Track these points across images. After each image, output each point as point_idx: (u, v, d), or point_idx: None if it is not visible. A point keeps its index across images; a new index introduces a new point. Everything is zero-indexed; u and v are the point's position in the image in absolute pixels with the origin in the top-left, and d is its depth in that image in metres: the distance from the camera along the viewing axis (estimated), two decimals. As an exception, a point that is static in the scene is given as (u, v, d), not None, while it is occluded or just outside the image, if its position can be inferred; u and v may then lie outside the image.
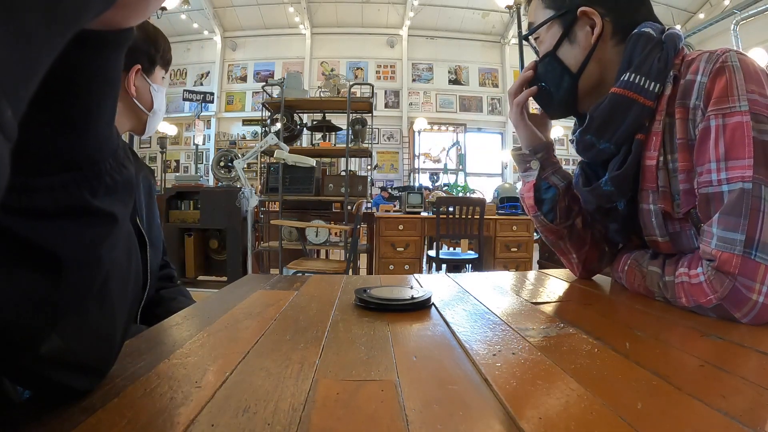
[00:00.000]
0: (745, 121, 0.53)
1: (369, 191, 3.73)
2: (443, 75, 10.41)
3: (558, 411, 0.30)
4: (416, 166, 9.62)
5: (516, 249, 3.73)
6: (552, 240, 0.81)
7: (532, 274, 0.92)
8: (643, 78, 0.62)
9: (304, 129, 4.07)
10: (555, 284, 0.79)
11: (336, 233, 3.39)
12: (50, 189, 0.24)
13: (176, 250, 3.31)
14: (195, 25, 9.72)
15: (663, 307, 0.60)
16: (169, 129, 8.76)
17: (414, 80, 10.35)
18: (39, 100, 0.19)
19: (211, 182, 5.50)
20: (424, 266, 3.83)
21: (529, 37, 0.76)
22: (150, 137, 4.95)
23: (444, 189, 5.13)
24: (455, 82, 10.44)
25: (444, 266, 3.49)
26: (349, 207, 3.29)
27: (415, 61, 10.37)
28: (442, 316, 0.56)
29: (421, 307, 0.59)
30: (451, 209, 3.26)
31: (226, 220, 3.30)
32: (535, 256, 3.97)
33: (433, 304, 0.61)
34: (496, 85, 10.44)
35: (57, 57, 0.18)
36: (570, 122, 0.77)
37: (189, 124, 9.54)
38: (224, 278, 3.42)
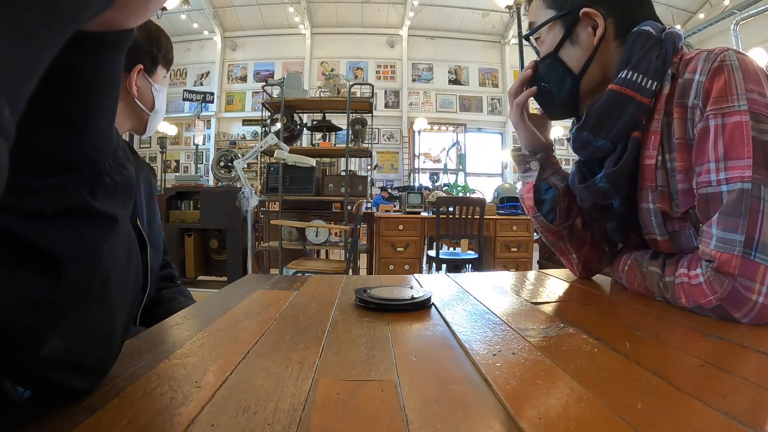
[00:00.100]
0: (744, 121, 0.53)
1: (369, 191, 3.73)
2: (443, 75, 10.41)
3: (558, 411, 0.30)
4: (416, 166, 9.62)
5: (516, 249, 3.73)
6: (552, 240, 0.81)
7: (532, 274, 0.92)
8: (641, 75, 0.62)
9: (304, 129, 4.07)
10: (555, 284, 0.79)
11: (336, 233, 3.39)
12: (50, 190, 0.24)
13: (176, 250, 3.31)
14: (195, 25, 9.72)
15: (663, 307, 0.60)
16: (169, 129, 8.76)
17: (414, 80, 10.35)
18: (39, 100, 0.19)
19: (211, 182, 5.50)
20: (424, 266, 3.84)
21: (530, 37, 0.76)
22: (150, 137, 4.95)
23: (444, 189, 5.13)
24: (455, 82, 10.44)
25: (444, 266, 3.49)
26: (349, 207, 3.29)
27: (415, 61, 10.36)
28: (442, 316, 0.56)
29: (421, 307, 0.59)
30: (451, 209, 3.26)
31: (226, 220, 3.30)
32: (535, 256, 3.97)
33: (433, 304, 0.61)
34: (496, 85, 10.44)
35: (57, 58, 0.18)
36: (569, 122, 0.77)
37: (189, 124, 9.54)
38: (224, 278, 3.42)
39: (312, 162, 2.73)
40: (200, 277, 3.49)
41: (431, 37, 10.32)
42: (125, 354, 0.39)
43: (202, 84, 10.22)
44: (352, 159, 3.97)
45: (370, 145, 3.97)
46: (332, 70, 9.79)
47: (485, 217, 3.34)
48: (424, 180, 8.71)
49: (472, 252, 3.55)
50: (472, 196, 4.04)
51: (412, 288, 0.65)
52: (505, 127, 10.15)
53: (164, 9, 6.60)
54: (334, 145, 4.30)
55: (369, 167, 4.26)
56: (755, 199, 0.51)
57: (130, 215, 0.31)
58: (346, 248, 3.02)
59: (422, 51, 10.36)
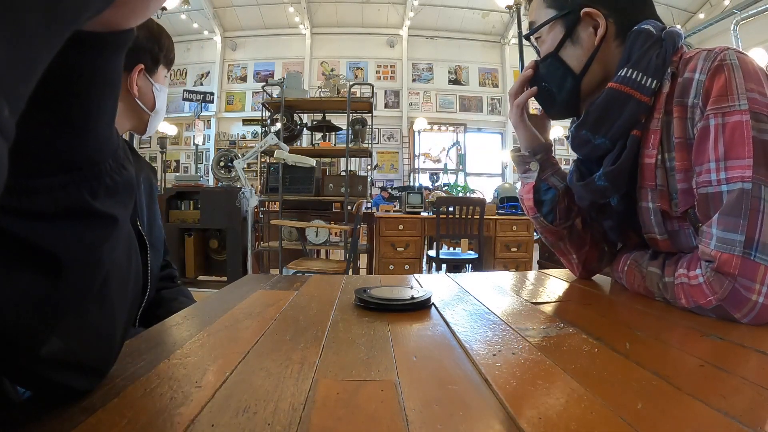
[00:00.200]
0: (744, 120, 0.53)
1: (369, 191, 3.73)
2: (443, 75, 10.42)
3: (558, 411, 0.30)
4: (416, 166, 9.62)
5: (516, 249, 3.73)
6: (552, 241, 0.81)
7: (532, 274, 0.92)
8: (641, 74, 0.62)
9: (304, 129, 4.07)
10: (555, 284, 0.79)
11: (336, 233, 3.39)
12: (50, 190, 0.24)
13: (176, 250, 3.31)
14: (195, 25, 9.72)
15: (663, 307, 0.60)
16: (169, 129, 8.76)
17: (414, 80, 10.36)
18: (39, 100, 0.19)
19: (211, 182, 5.50)
20: (424, 266, 3.84)
21: (530, 36, 0.76)
22: (150, 137, 4.95)
23: (444, 189, 5.13)
24: (455, 82, 10.45)
25: (444, 266, 3.49)
26: (349, 207, 3.29)
27: (415, 61, 10.37)
28: (442, 316, 0.56)
29: (421, 307, 0.59)
30: (451, 209, 3.26)
31: (226, 220, 3.30)
32: (535, 256, 3.97)
33: (433, 304, 0.61)
34: (496, 85, 10.44)
35: (57, 58, 0.18)
36: (569, 122, 0.77)
37: (189, 124, 9.54)
38: (224, 278, 3.42)
39: (312, 162, 2.73)
40: (200, 277, 3.49)
41: (431, 37, 10.32)
42: (125, 354, 0.39)
43: (202, 84, 10.22)
44: (352, 159, 3.97)
45: (370, 145, 3.97)
46: (332, 70, 9.79)
47: (485, 217, 3.34)
48: (424, 180, 8.71)
49: (472, 252, 3.55)
50: (472, 196, 4.04)
51: (412, 288, 0.65)
52: (505, 127, 10.15)
53: (164, 9, 6.61)
54: (334, 145, 4.30)
55: (369, 167, 4.26)
56: (755, 199, 0.51)
57: (130, 215, 0.31)
58: (346, 248, 3.02)
59: (422, 51, 10.36)
